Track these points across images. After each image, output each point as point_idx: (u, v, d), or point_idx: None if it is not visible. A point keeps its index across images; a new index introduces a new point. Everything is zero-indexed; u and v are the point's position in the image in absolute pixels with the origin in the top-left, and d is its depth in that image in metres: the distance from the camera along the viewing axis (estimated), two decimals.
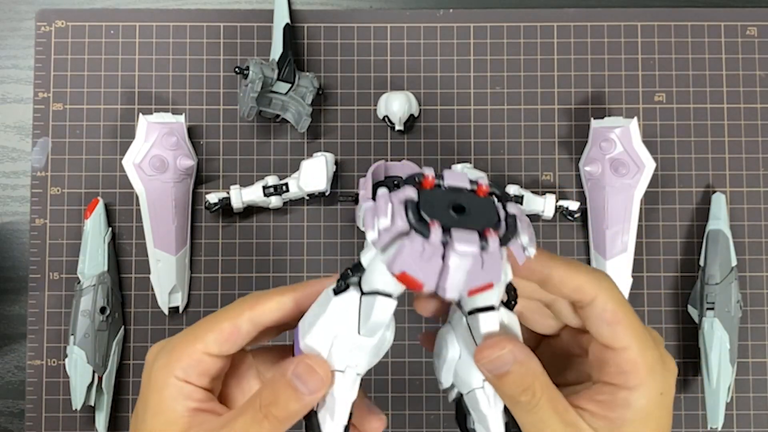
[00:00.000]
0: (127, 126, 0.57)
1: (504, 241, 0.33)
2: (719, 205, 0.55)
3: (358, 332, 0.35)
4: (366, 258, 0.35)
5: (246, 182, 0.56)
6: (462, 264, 0.33)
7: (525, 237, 0.34)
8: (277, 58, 0.54)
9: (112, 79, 0.57)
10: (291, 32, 0.56)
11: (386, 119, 0.56)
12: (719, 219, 0.55)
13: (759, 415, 0.55)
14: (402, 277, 0.33)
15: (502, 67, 0.58)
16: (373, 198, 0.35)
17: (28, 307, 0.56)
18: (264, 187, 0.54)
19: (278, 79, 0.54)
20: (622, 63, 0.58)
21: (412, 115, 0.56)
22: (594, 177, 0.55)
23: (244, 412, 0.35)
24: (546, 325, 0.39)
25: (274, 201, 0.54)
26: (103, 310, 0.53)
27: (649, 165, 0.54)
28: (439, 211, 0.33)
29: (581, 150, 0.56)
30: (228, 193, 0.54)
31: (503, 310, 0.37)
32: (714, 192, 0.56)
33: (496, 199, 0.35)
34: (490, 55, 0.58)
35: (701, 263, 0.55)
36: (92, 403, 0.53)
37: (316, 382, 0.34)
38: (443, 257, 0.33)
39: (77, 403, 0.53)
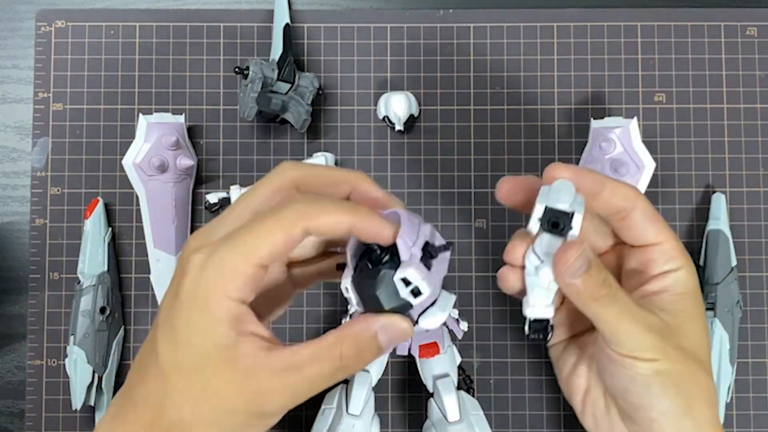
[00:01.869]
0: (127, 126, 0.57)
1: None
2: (719, 205, 0.55)
3: (347, 411, 0.48)
4: None
5: (246, 182, 0.56)
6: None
7: (454, 311, 0.49)
8: (277, 58, 0.54)
9: (112, 79, 0.57)
10: (291, 32, 0.56)
11: (386, 119, 0.56)
12: (719, 219, 0.55)
13: (759, 415, 0.55)
14: None
15: (502, 67, 0.58)
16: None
17: (28, 307, 0.56)
18: None
19: (278, 79, 0.53)
20: (622, 63, 0.58)
21: (412, 115, 0.56)
22: None
23: (320, 360, 0.35)
24: (600, 243, 0.45)
25: None
26: (103, 310, 0.53)
27: (649, 165, 0.54)
28: None
29: (581, 150, 0.56)
30: (228, 193, 0.54)
31: (463, 393, 0.48)
32: (714, 192, 0.56)
33: None
34: (490, 55, 0.58)
35: (701, 263, 0.55)
36: (92, 403, 0.53)
37: (401, 337, 0.36)
38: None
39: (77, 403, 0.53)
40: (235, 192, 0.54)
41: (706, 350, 0.42)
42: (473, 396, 0.49)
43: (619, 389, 0.41)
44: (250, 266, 0.35)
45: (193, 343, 0.35)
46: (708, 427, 0.40)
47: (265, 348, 0.35)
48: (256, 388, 0.35)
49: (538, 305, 0.39)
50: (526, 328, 0.40)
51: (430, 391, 0.50)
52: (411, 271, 0.34)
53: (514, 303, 0.55)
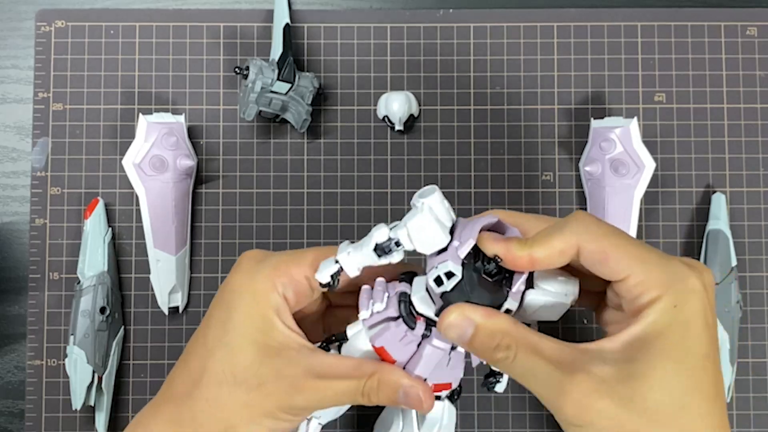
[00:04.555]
0: (127, 126, 0.57)
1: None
2: (719, 205, 0.55)
3: None
4: (351, 331, 0.41)
5: (246, 182, 0.56)
6: (433, 356, 0.39)
7: None
8: (277, 58, 0.54)
9: (112, 79, 0.57)
10: (291, 32, 0.56)
11: (386, 119, 0.56)
12: (719, 219, 0.55)
13: (759, 415, 0.55)
14: (380, 351, 0.40)
15: (502, 67, 0.58)
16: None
17: (28, 307, 0.56)
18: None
19: (278, 79, 0.53)
20: (622, 63, 0.58)
21: (412, 115, 0.56)
22: (594, 177, 0.55)
23: (349, 377, 0.39)
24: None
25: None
26: (103, 310, 0.53)
27: (649, 165, 0.54)
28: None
29: (581, 150, 0.56)
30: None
31: (446, 402, 0.43)
32: (714, 192, 0.56)
33: None
34: (490, 55, 0.58)
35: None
36: (92, 403, 0.53)
37: (416, 405, 0.39)
38: (419, 345, 0.39)
39: (77, 403, 0.53)
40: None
41: (675, 406, 0.34)
42: (454, 403, 0.44)
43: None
44: (299, 273, 0.39)
45: (242, 323, 0.39)
46: None
47: (308, 349, 0.39)
48: (291, 381, 0.38)
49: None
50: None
51: None
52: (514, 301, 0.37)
53: None
